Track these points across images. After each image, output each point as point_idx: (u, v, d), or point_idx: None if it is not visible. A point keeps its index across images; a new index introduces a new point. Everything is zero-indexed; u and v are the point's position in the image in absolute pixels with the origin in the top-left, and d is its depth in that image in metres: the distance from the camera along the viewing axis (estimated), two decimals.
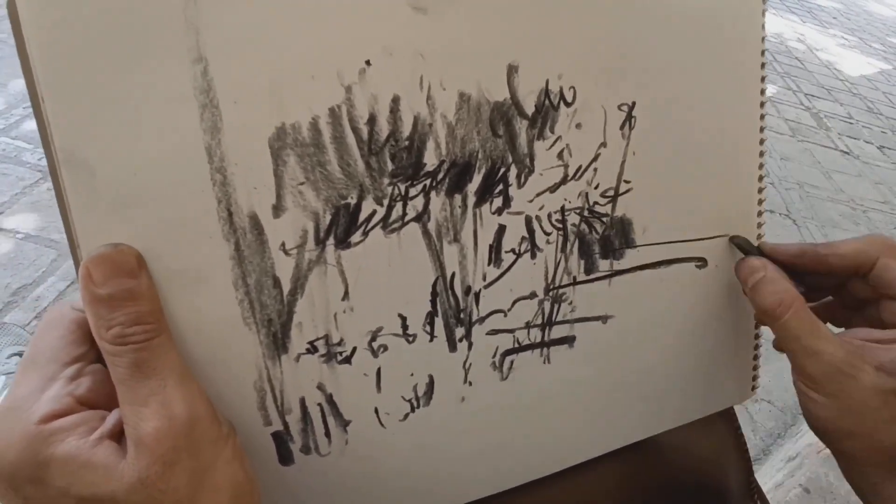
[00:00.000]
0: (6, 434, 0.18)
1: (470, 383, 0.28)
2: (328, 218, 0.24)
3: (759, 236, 0.33)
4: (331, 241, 0.24)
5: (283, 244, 0.23)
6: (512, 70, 0.25)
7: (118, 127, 0.20)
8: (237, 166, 0.22)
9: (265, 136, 0.22)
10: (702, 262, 0.32)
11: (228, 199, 0.22)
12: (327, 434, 0.26)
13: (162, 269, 0.21)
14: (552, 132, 0.27)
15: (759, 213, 0.32)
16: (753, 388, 0.36)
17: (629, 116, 0.28)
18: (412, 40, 0.23)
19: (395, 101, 0.24)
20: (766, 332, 0.32)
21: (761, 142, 0.31)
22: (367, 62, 0.23)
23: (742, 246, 0.31)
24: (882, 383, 0.26)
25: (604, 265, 0.29)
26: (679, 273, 0.31)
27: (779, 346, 0.29)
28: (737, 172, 0.31)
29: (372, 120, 0.23)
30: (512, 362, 0.29)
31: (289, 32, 0.21)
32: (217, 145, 0.21)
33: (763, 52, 0.30)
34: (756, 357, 0.35)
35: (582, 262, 0.29)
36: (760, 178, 0.32)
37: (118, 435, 0.19)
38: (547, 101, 0.26)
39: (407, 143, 0.24)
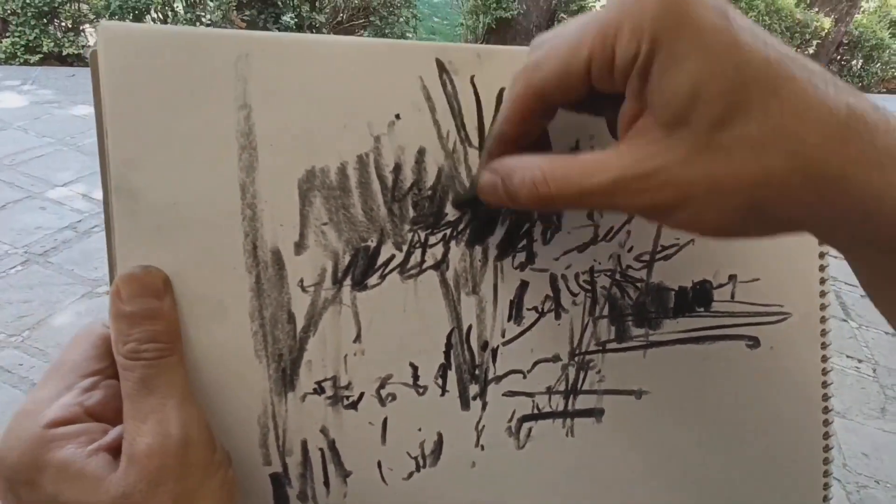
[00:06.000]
0: (17, 433, 0.19)
1: (482, 447, 0.26)
2: (347, 258, 0.24)
3: (824, 306, 0.30)
4: (348, 281, 0.24)
5: (301, 280, 0.24)
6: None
7: (166, 161, 0.22)
8: (266, 203, 0.23)
9: (295, 177, 0.23)
10: (753, 341, 0.29)
11: (255, 233, 0.23)
12: (326, 483, 0.25)
13: (186, 294, 0.23)
14: None
15: (823, 282, 0.29)
16: (825, 498, 0.30)
17: None
18: (441, 97, 0.24)
19: (421, 152, 0.24)
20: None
21: None
22: (397, 116, 0.24)
23: (464, 197, 0.25)
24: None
25: (638, 333, 0.28)
26: (726, 352, 0.28)
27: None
28: (798, 241, 0.29)
29: (397, 169, 0.24)
30: (530, 430, 0.27)
31: (327, 86, 0.23)
32: (251, 183, 0.23)
33: None
34: (827, 461, 0.30)
35: (613, 328, 0.27)
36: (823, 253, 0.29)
37: (116, 450, 0.20)
38: None
39: (430, 192, 0.25)
